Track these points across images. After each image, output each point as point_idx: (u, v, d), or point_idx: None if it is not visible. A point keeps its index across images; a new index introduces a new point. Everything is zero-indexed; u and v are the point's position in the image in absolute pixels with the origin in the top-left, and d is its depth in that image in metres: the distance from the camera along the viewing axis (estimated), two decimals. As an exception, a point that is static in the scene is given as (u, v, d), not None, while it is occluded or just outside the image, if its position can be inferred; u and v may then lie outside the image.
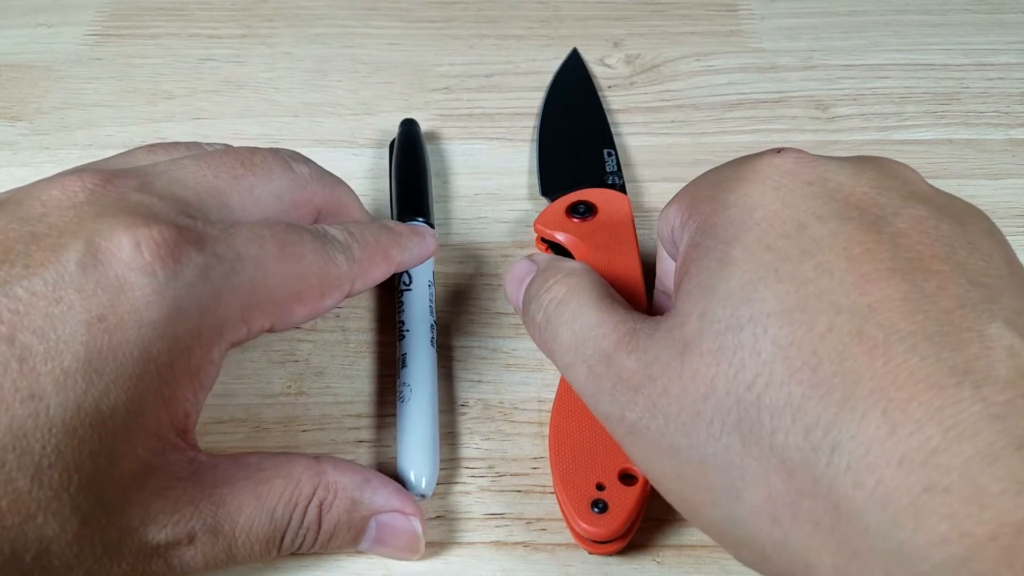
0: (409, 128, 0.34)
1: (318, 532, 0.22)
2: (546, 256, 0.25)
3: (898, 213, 0.19)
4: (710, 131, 0.36)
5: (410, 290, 0.28)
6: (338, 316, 0.29)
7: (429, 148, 0.34)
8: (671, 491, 0.20)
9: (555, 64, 0.38)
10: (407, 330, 0.27)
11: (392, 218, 0.31)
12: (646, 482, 0.23)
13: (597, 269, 0.28)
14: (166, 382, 0.20)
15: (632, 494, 0.23)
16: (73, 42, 0.40)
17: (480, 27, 0.40)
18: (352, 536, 0.22)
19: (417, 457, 0.24)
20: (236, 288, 0.20)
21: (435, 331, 0.28)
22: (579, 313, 0.22)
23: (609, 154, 0.33)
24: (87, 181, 0.20)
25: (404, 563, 0.24)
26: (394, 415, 0.26)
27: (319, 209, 0.25)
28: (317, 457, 0.22)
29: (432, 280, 0.29)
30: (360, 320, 0.29)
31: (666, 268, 0.26)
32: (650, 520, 0.24)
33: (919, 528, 0.15)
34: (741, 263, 0.19)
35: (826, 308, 0.17)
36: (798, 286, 0.18)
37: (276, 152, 0.24)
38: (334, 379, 0.28)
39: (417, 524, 0.23)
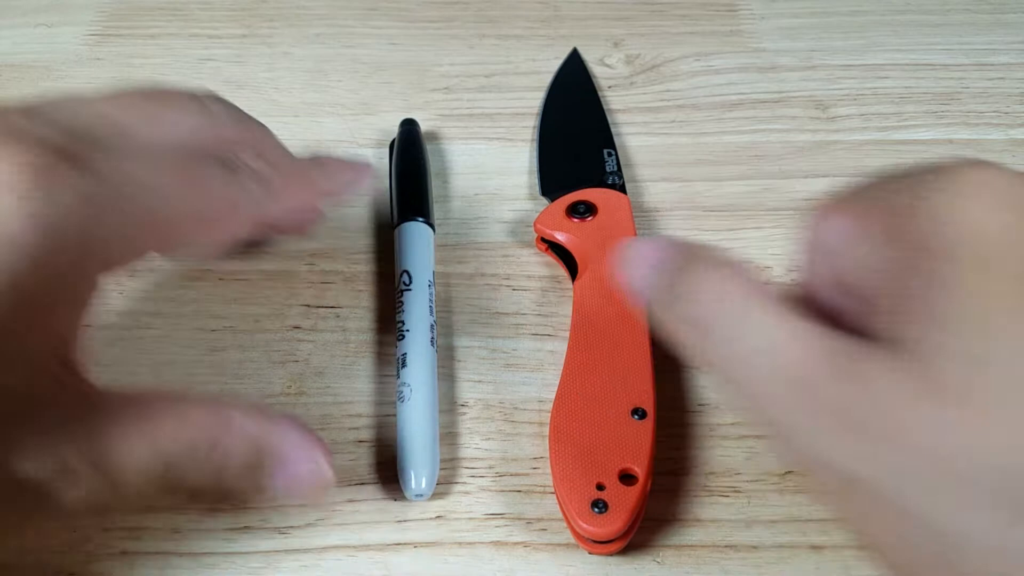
0: (409, 128, 0.34)
1: (216, 473, 0.20)
2: (687, 242, 0.20)
3: None
4: (710, 131, 0.36)
5: (410, 290, 0.28)
6: (338, 316, 0.29)
7: (429, 148, 0.34)
8: (890, 555, 0.17)
9: (555, 64, 0.38)
10: (407, 330, 0.27)
11: (392, 219, 0.31)
12: (646, 482, 0.23)
13: (597, 270, 0.28)
14: (40, 308, 0.18)
15: (632, 494, 0.23)
16: (73, 42, 0.40)
17: (480, 27, 0.40)
18: (254, 480, 0.21)
19: (417, 457, 0.24)
20: (122, 212, 0.19)
21: (435, 331, 0.28)
22: (764, 321, 0.18)
23: (609, 154, 0.33)
24: None
25: (403, 562, 0.24)
26: (394, 415, 0.26)
27: (230, 140, 0.24)
28: (221, 399, 0.21)
29: (432, 280, 0.29)
30: (360, 320, 0.29)
31: (810, 270, 0.20)
32: (650, 520, 0.24)
33: None
34: (981, 290, 0.16)
35: None
36: None
37: (190, 91, 0.24)
38: (334, 379, 0.28)
39: (324, 466, 0.21)
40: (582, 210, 0.30)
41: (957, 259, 0.16)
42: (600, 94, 0.37)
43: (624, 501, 0.23)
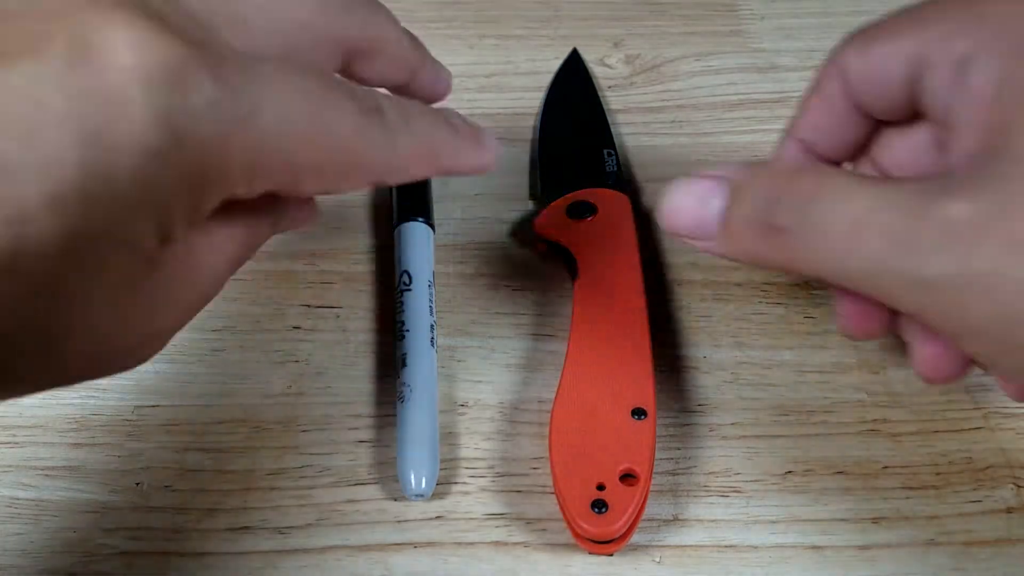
0: None
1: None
2: (727, 164, 0.20)
3: None
4: (710, 131, 0.36)
5: (410, 290, 0.28)
6: (338, 316, 0.29)
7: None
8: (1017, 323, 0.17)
9: (555, 64, 0.38)
10: (407, 330, 0.27)
11: (392, 219, 0.31)
12: (646, 482, 0.23)
13: (597, 270, 0.28)
14: (159, 223, 0.16)
15: (632, 494, 0.23)
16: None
17: (480, 27, 0.40)
18: None
19: (417, 457, 0.24)
20: (247, 139, 0.17)
21: (435, 331, 0.28)
22: (852, 192, 0.18)
23: (609, 154, 0.33)
24: None
25: (403, 562, 0.24)
26: (394, 415, 0.26)
27: (351, 48, 0.22)
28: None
29: (432, 280, 0.29)
30: (360, 320, 0.29)
31: (830, 105, 0.22)
32: (650, 520, 0.24)
33: None
34: None
35: None
36: None
37: None
38: (334, 379, 0.28)
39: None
40: (582, 210, 0.30)
41: None
42: (600, 94, 0.37)
43: (624, 501, 0.23)
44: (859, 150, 0.22)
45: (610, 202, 0.30)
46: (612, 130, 0.35)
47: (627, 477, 0.23)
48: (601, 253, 0.28)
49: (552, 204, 0.30)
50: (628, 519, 0.23)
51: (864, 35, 0.20)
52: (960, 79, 0.18)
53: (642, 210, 0.32)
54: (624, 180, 0.32)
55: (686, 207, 0.20)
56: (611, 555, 0.24)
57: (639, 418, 0.24)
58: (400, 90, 0.24)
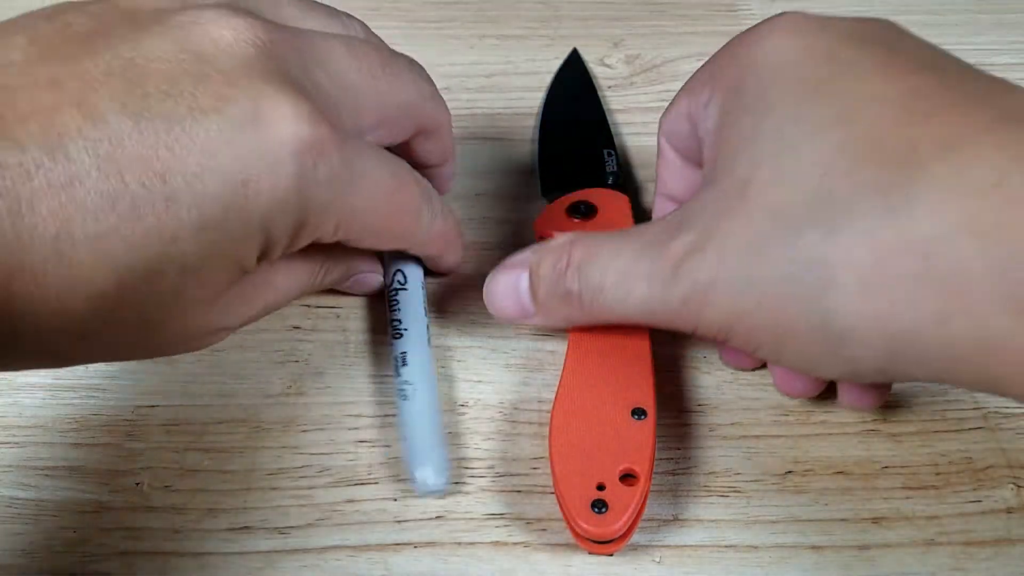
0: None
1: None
2: (522, 252, 0.25)
3: (901, 39, 0.22)
4: (710, 131, 0.36)
5: (405, 289, 0.28)
6: (338, 316, 0.29)
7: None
8: (760, 328, 0.21)
9: (555, 64, 0.38)
10: (405, 329, 0.27)
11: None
12: (647, 482, 0.23)
13: None
14: (264, 251, 0.21)
15: (633, 494, 0.23)
16: (73, 42, 0.40)
17: (480, 27, 0.40)
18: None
19: (430, 453, 0.24)
20: (344, 204, 0.21)
21: (430, 331, 0.28)
22: (615, 251, 0.22)
23: (609, 154, 0.33)
24: (258, 32, 0.20)
25: (403, 562, 0.24)
26: (394, 415, 0.26)
27: (422, 128, 0.26)
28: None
29: (424, 282, 0.29)
30: (360, 320, 0.29)
31: (669, 164, 0.27)
32: (650, 520, 0.24)
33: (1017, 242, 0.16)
34: (782, 100, 0.20)
35: (873, 101, 0.19)
36: (842, 96, 0.20)
37: (411, 62, 0.26)
38: (334, 379, 0.28)
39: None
40: (583, 210, 0.30)
41: (768, 88, 0.21)
42: (600, 94, 0.37)
43: (624, 501, 0.23)
44: None
45: (610, 202, 0.30)
46: (612, 130, 0.35)
47: (627, 477, 0.23)
48: None
49: (552, 204, 0.30)
50: (628, 519, 0.23)
51: (672, 100, 0.26)
52: (702, 124, 0.24)
53: (643, 210, 0.32)
54: (624, 180, 0.32)
55: (502, 297, 0.25)
56: (611, 555, 0.24)
57: (639, 418, 0.24)
58: (427, 172, 0.27)
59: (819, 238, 0.19)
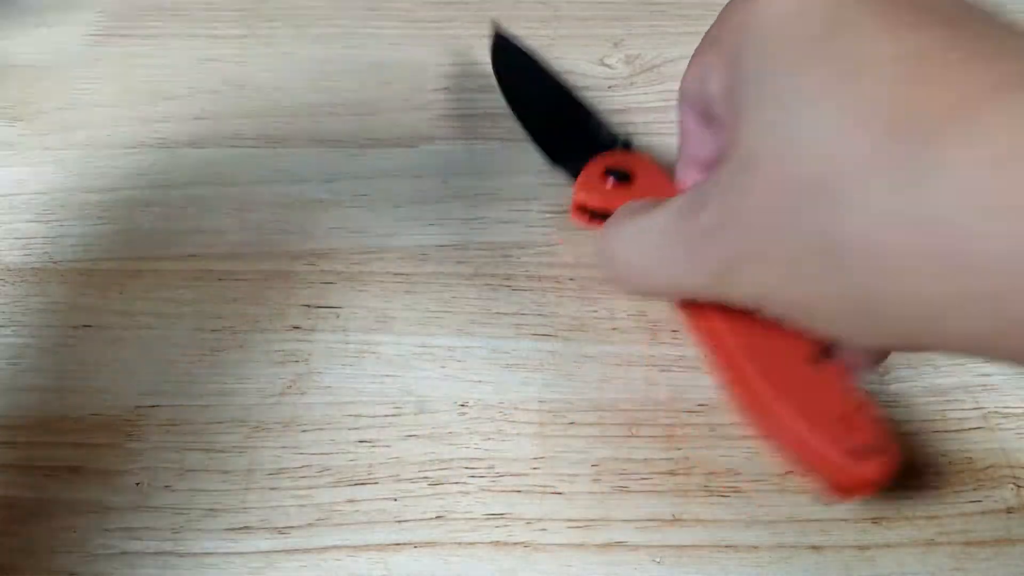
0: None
1: None
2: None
3: None
4: (710, 131, 0.36)
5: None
6: (338, 316, 0.29)
7: (429, 148, 0.34)
8: (787, 303, 0.20)
9: (556, 64, 0.38)
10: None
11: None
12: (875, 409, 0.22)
13: None
14: None
15: (871, 420, 0.22)
16: (73, 42, 0.40)
17: (480, 27, 0.40)
18: None
19: None
20: None
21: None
22: (643, 229, 0.23)
23: (597, 120, 0.33)
24: None
25: (403, 562, 0.24)
26: (394, 415, 0.26)
27: None
28: None
29: None
30: (360, 320, 0.29)
31: (690, 129, 0.26)
32: (650, 520, 0.24)
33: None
34: (780, 63, 0.19)
35: (879, 62, 0.18)
36: (846, 56, 0.18)
37: None
38: (334, 379, 0.28)
39: None
40: (619, 175, 0.29)
41: (768, 50, 0.20)
42: (535, 57, 0.36)
43: (870, 431, 0.22)
44: None
45: (638, 163, 0.30)
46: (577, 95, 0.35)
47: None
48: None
49: (583, 174, 0.30)
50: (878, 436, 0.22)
51: (692, 63, 0.25)
52: (710, 91, 0.23)
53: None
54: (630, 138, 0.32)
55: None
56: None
57: (824, 361, 0.23)
58: None
59: (828, 215, 0.18)
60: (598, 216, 0.29)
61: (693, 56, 0.25)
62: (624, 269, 0.23)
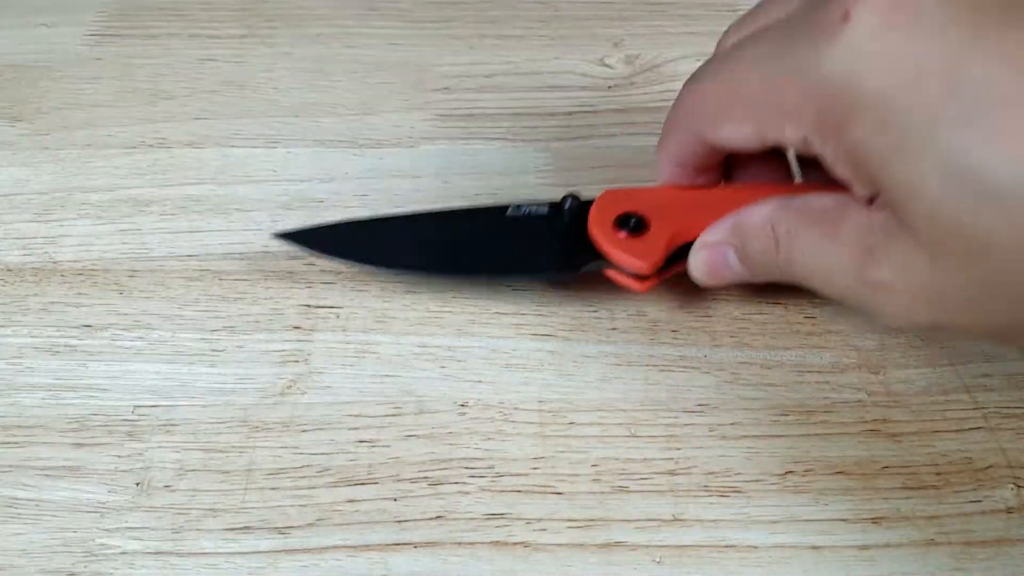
0: None
1: None
2: (716, 229, 0.25)
3: None
4: (710, 131, 0.36)
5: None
6: (338, 316, 0.29)
7: (428, 148, 0.34)
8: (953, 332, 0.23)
9: (556, 64, 0.38)
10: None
11: None
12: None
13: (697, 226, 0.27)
14: None
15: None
16: (73, 42, 0.40)
17: (480, 27, 0.40)
18: None
19: None
20: None
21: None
22: (816, 245, 0.23)
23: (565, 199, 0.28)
24: None
25: (403, 562, 0.24)
26: (394, 415, 0.26)
27: None
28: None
29: None
30: (360, 320, 0.29)
31: (686, 153, 0.26)
32: (650, 520, 0.24)
33: None
34: (900, 124, 0.19)
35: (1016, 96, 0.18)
36: (994, 105, 0.18)
37: None
38: (334, 379, 0.28)
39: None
40: (632, 227, 0.26)
41: (876, 122, 0.19)
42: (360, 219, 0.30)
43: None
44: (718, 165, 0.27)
45: (630, 200, 0.27)
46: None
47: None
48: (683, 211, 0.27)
49: (602, 246, 0.27)
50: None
51: (710, 117, 0.24)
52: (809, 150, 0.22)
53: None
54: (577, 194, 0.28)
55: (712, 271, 0.26)
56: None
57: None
58: None
59: (976, 263, 0.19)
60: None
61: (732, 121, 0.23)
62: (799, 274, 0.24)
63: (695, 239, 0.26)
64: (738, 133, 0.23)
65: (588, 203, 0.27)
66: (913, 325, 0.22)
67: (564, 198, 0.28)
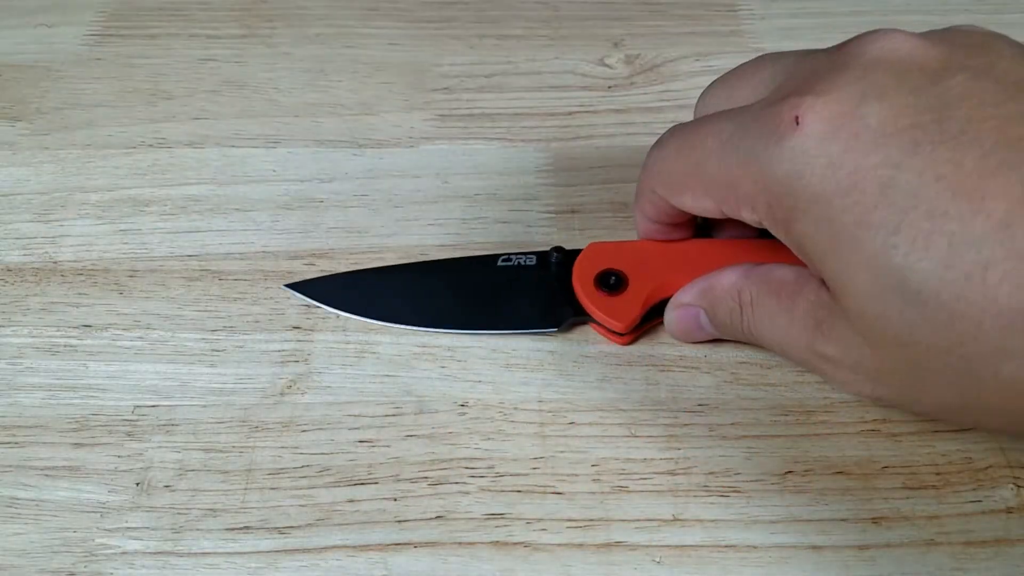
0: None
1: None
2: (689, 290, 0.27)
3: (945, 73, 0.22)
4: (710, 131, 0.36)
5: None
6: (338, 316, 0.29)
7: (428, 148, 0.34)
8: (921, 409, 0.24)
9: (555, 64, 0.38)
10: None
11: None
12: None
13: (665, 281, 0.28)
14: None
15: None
16: (73, 42, 0.40)
17: (480, 27, 0.40)
18: None
19: None
20: None
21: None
22: (774, 316, 0.25)
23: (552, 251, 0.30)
24: None
25: (403, 562, 0.24)
26: (394, 415, 0.26)
27: None
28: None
29: None
30: (360, 320, 0.29)
31: (654, 212, 0.27)
32: (650, 520, 0.24)
33: None
34: (835, 224, 0.21)
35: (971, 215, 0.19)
36: (872, 174, 0.20)
37: None
38: (334, 379, 0.28)
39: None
40: (611, 285, 0.28)
41: (811, 202, 0.21)
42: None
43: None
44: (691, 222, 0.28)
45: (613, 255, 0.28)
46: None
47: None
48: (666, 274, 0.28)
49: (584, 303, 0.28)
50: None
51: (673, 187, 0.25)
52: (767, 228, 0.23)
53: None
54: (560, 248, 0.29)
55: (685, 330, 0.27)
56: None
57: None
58: None
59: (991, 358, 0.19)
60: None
61: (690, 194, 0.25)
62: (759, 339, 0.26)
63: (672, 296, 0.28)
64: (698, 204, 0.25)
65: (575, 254, 0.29)
66: (861, 396, 0.24)
67: (551, 251, 0.29)
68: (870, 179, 0.20)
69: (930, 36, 0.23)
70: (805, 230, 0.22)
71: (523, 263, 0.30)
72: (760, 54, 0.26)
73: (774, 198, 0.22)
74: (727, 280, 0.26)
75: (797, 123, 0.21)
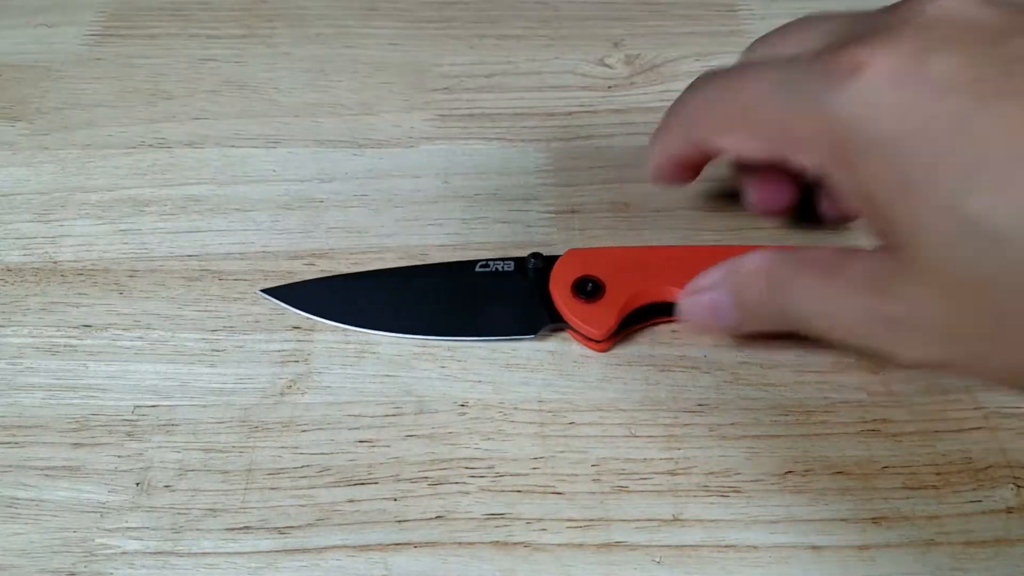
0: None
1: None
2: (710, 274, 0.25)
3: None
4: (710, 131, 0.36)
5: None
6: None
7: (429, 148, 0.34)
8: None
9: (555, 64, 0.38)
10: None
11: None
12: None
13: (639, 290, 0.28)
14: None
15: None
16: (73, 42, 0.40)
17: (480, 27, 0.40)
18: None
19: None
20: None
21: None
22: (818, 289, 0.23)
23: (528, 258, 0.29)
24: None
25: (403, 562, 0.24)
26: (394, 415, 0.26)
27: None
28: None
29: None
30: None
31: (681, 155, 0.27)
32: (650, 520, 0.24)
33: None
34: (907, 166, 0.20)
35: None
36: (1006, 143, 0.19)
37: None
38: (334, 379, 0.28)
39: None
40: (589, 290, 0.28)
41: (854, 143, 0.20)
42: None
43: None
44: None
45: (587, 262, 0.28)
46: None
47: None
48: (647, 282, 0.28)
49: (564, 313, 0.28)
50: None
51: (715, 127, 0.25)
52: (824, 176, 0.22)
53: (644, 211, 0.32)
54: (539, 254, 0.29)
55: (705, 317, 0.26)
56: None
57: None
58: None
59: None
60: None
61: (735, 127, 0.24)
62: (799, 321, 0.23)
63: (649, 303, 0.28)
64: (740, 145, 0.24)
65: (553, 260, 0.29)
66: (926, 362, 0.22)
67: (528, 257, 0.29)
68: (943, 123, 0.20)
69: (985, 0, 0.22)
70: (874, 171, 0.21)
71: (500, 269, 0.29)
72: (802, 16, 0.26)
73: (837, 140, 0.21)
74: (753, 262, 0.25)
75: (859, 70, 0.21)
